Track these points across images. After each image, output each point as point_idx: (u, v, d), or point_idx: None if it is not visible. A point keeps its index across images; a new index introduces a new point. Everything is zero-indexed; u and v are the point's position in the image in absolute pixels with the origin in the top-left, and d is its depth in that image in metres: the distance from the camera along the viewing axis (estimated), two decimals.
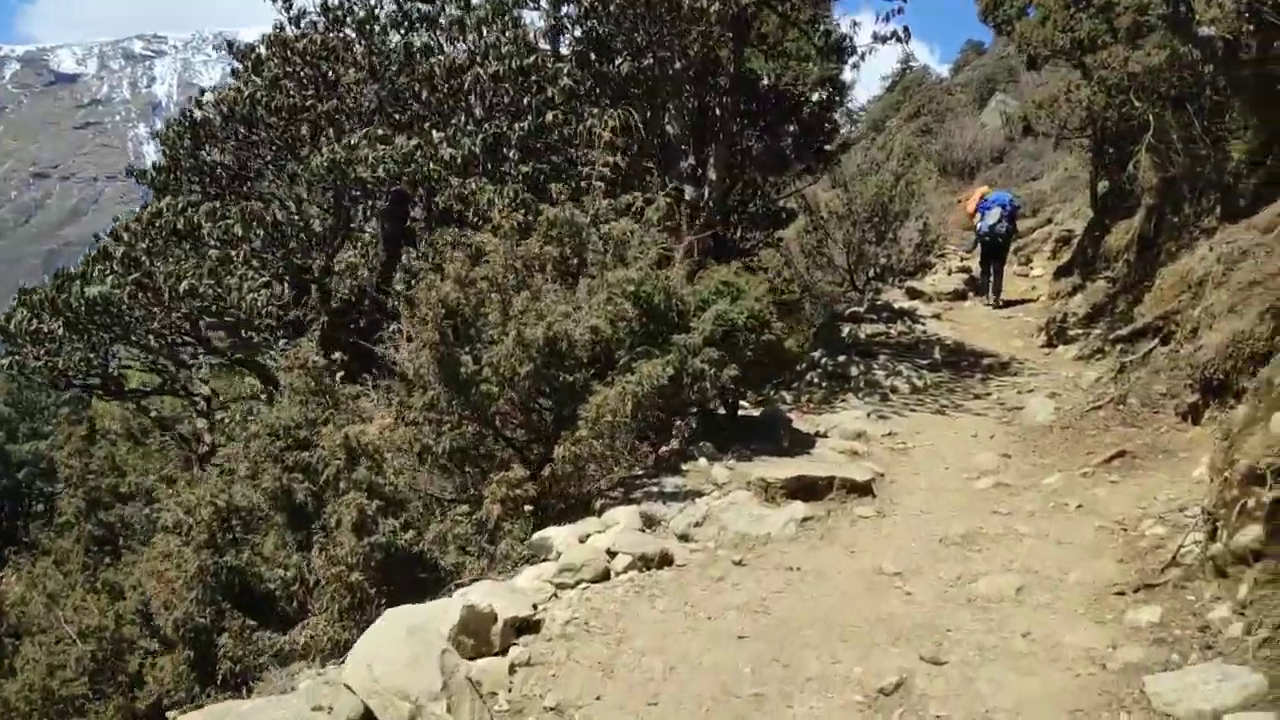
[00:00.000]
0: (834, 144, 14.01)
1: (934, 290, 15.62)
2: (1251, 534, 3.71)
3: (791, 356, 6.83)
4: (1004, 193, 14.79)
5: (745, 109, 11.70)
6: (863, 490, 5.68)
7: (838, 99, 13.52)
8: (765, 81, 12.55)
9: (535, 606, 4.26)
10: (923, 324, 13.41)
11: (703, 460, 6.11)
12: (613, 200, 6.41)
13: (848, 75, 13.13)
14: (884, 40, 11.08)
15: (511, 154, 7.88)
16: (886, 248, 17.65)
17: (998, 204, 13.70)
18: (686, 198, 10.30)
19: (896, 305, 14.26)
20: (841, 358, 10.14)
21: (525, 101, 8.13)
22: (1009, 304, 14.30)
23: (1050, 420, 7.58)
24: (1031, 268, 17.38)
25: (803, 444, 6.73)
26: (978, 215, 13.89)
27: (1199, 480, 5.65)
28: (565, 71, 8.17)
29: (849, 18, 13.21)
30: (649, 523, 5.19)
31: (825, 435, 7.11)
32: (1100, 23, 12.24)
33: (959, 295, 15.55)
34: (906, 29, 10.91)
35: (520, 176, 7.16)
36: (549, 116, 7.65)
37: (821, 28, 11.27)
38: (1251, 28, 8.36)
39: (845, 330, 13.06)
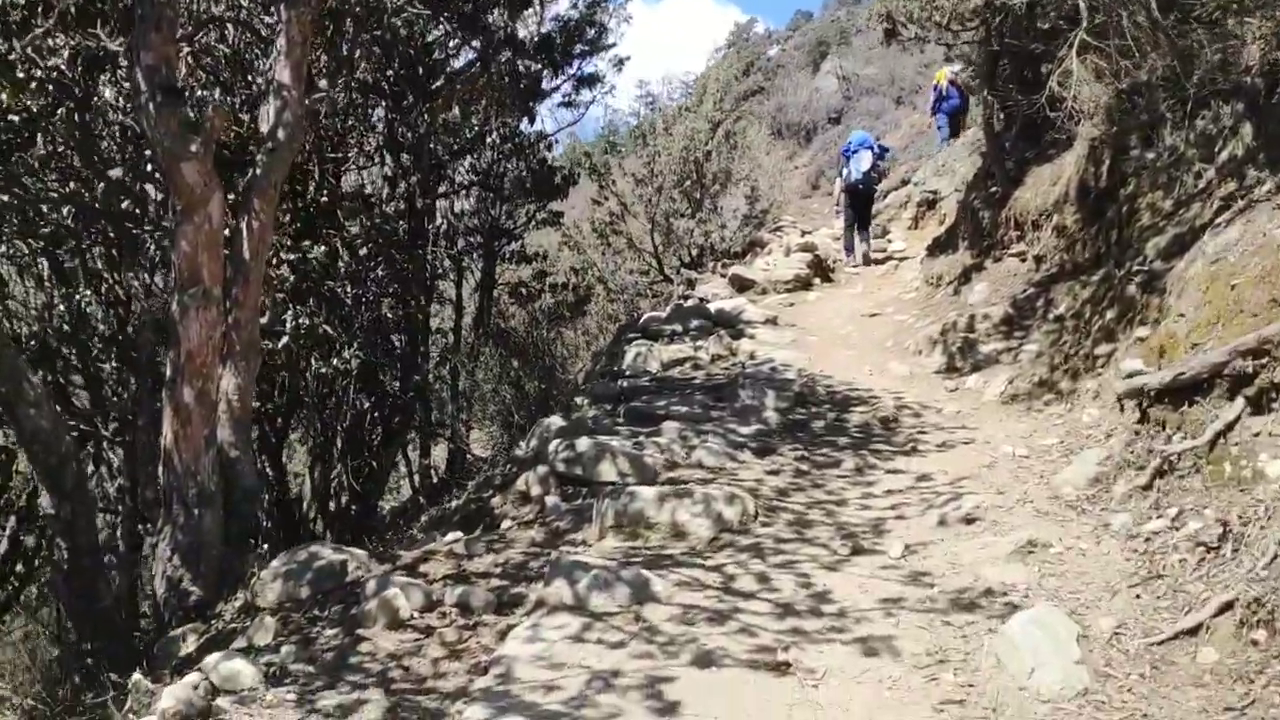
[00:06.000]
0: (598, 51, 8.99)
1: (768, 279, 11.05)
2: None
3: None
4: (867, 133, 12.25)
5: None
6: None
7: None
8: None
9: None
10: (751, 334, 8.77)
11: None
12: None
13: None
14: None
15: None
16: (704, 221, 13.02)
17: (865, 147, 11.19)
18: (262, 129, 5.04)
19: (714, 306, 9.56)
20: (585, 444, 5.02)
21: None
22: (878, 263, 11.56)
23: None
24: (889, 240, 13.08)
25: None
26: (843, 162, 11.58)
27: None
28: None
29: None
30: None
31: None
32: None
33: (802, 284, 11.07)
34: None
35: None
36: None
37: None
38: None
39: (631, 355, 8.18)
